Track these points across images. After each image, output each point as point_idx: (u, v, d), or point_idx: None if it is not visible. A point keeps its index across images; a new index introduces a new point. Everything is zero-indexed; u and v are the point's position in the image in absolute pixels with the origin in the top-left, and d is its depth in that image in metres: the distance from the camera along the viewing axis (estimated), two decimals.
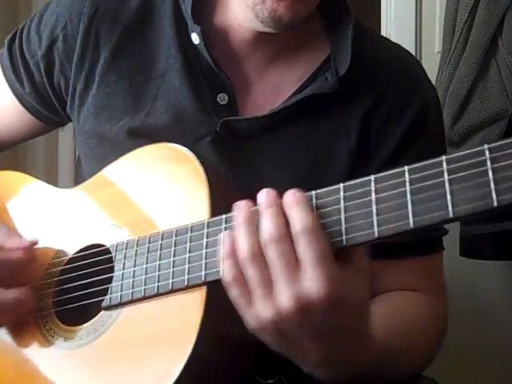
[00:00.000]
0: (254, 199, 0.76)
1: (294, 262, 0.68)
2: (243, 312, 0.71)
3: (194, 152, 0.86)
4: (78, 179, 1.06)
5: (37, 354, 0.88)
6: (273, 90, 0.98)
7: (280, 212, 0.70)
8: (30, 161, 2.11)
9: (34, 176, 1.04)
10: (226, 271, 0.71)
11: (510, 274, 1.97)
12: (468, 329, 1.84)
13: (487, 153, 0.63)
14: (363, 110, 0.96)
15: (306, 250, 0.67)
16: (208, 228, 0.78)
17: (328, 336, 0.71)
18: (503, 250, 1.76)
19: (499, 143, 0.62)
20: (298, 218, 0.68)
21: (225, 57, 0.97)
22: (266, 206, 0.70)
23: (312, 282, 0.67)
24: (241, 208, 0.73)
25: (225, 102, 0.96)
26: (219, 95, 0.96)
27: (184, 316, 0.79)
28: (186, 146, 0.88)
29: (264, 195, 0.71)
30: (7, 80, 1.07)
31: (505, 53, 1.73)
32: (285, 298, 0.68)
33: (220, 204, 0.80)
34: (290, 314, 0.68)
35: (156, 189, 0.87)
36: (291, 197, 0.70)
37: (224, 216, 0.78)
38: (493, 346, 1.93)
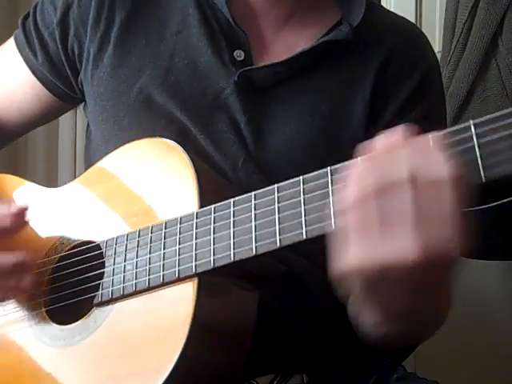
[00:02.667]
0: (274, 151, 0.84)
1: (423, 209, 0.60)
2: (354, 244, 0.62)
3: (216, 106, 0.90)
4: (86, 164, 1.06)
5: (29, 354, 0.88)
6: (287, 48, 0.99)
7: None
8: (30, 158, 2.11)
9: (28, 179, 1.04)
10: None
11: (510, 273, 1.97)
12: (468, 329, 1.84)
13: None
14: (376, 63, 0.99)
15: (448, 199, 0.60)
16: (197, 218, 0.78)
17: (430, 291, 0.66)
18: (503, 250, 1.76)
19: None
20: (439, 164, 0.61)
21: (242, 14, 0.99)
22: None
23: (450, 234, 0.60)
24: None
25: (241, 59, 0.97)
26: (236, 52, 0.98)
27: (176, 309, 0.78)
28: (208, 103, 0.92)
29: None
30: (22, 56, 1.08)
31: (505, 53, 1.73)
32: (412, 244, 0.60)
33: (209, 194, 0.80)
34: (417, 262, 0.61)
35: (146, 183, 0.88)
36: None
37: (213, 206, 0.78)
38: (493, 345, 1.92)
